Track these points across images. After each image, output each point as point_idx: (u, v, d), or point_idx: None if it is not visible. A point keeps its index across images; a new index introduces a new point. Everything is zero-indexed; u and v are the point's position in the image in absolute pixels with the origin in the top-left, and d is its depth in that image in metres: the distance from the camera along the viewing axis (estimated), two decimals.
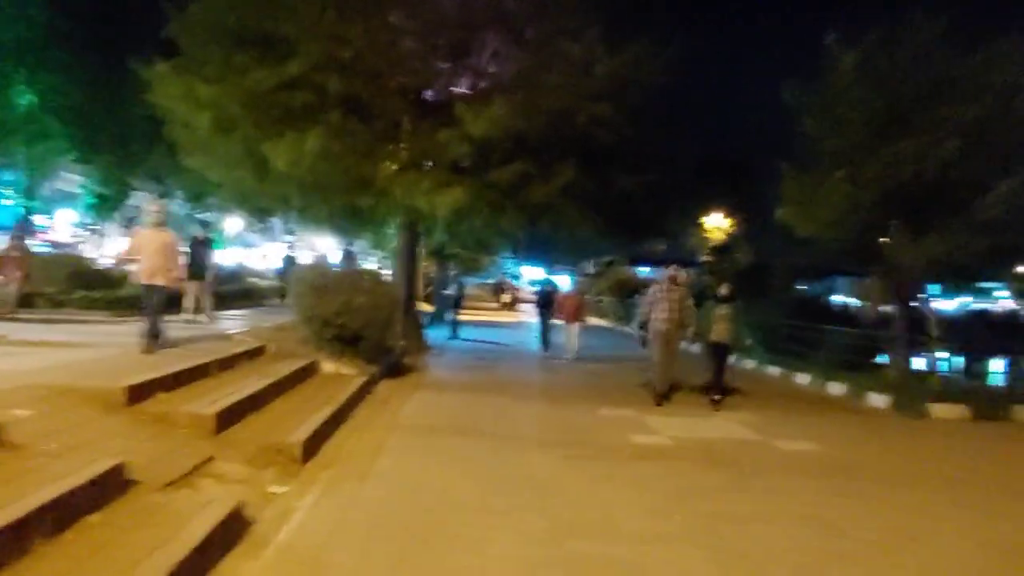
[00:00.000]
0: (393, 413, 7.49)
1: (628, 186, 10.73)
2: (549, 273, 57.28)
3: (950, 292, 39.14)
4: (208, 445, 4.95)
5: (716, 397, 8.83)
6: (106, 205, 27.83)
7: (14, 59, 18.58)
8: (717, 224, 34.45)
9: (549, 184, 9.98)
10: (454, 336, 17.10)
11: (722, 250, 35.72)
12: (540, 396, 9.19)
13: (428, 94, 10.98)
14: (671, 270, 9.21)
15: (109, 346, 7.38)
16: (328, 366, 8.61)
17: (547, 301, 13.92)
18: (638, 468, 5.78)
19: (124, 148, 23.36)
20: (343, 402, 6.95)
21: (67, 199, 29.47)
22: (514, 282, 49.93)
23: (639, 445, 6.56)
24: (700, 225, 34.47)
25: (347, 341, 9.05)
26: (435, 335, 17.49)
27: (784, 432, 7.41)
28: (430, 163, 10.05)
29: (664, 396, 8.79)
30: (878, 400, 9.56)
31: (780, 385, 11.80)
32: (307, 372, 8.10)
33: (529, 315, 31.12)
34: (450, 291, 17.70)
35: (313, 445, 5.43)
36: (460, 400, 8.66)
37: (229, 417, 5.36)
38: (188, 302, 11.46)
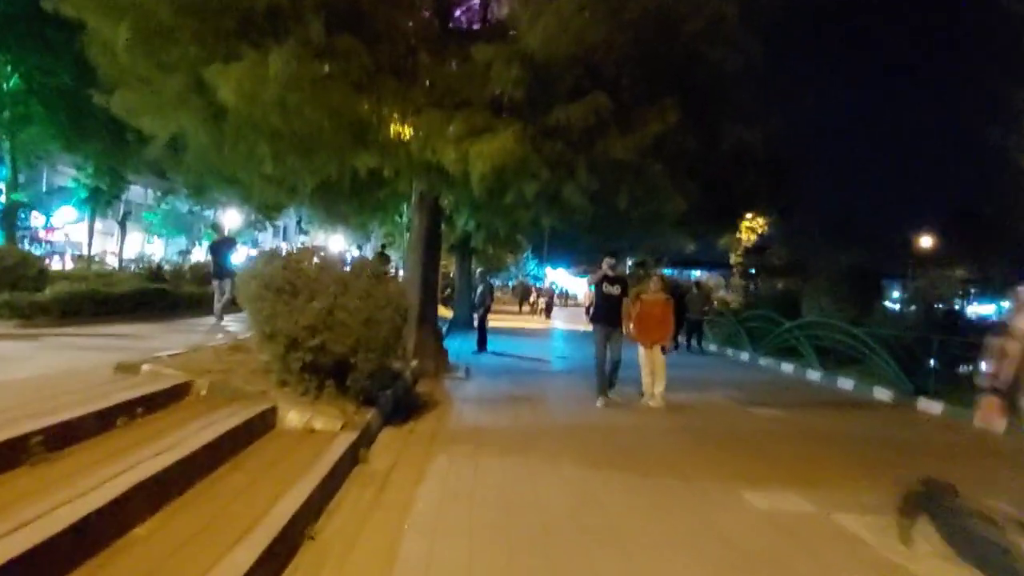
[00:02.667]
0: (398, 511, 4.14)
1: (747, 140, 7.32)
2: (580, 275, 53.64)
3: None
4: None
5: None
6: (100, 199, 25.21)
7: None
8: (749, 223, 31.80)
9: (636, 133, 6.60)
10: (482, 349, 13.78)
11: (755, 251, 32.87)
12: (634, 462, 5.79)
13: (457, 14, 7.68)
14: None
15: None
16: (293, 416, 5.29)
17: (614, 309, 8.31)
18: None
19: (116, 136, 20.47)
20: (303, 502, 3.63)
21: (64, 194, 26.90)
22: (536, 284, 46.50)
23: None
24: (735, 224, 31.88)
25: (328, 372, 5.75)
26: (457, 348, 14.14)
27: None
28: (461, 100, 6.64)
29: None
30: None
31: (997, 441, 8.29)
32: (253, 430, 4.80)
33: (563, 322, 27.70)
34: (476, 293, 14.34)
35: None
36: (507, 472, 5.28)
37: None
38: (218, 304, 11.39)
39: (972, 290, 37.53)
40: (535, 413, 7.87)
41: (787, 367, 13.26)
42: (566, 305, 45.89)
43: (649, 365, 8.58)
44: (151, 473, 3.35)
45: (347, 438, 5.11)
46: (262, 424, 5.00)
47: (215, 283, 11.72)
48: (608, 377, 8.37)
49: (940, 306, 12.89)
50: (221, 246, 12.12)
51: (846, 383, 11.18)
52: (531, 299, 30.36)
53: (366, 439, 5.49)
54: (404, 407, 7.52)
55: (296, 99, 6.32)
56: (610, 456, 5.93)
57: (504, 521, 4.16)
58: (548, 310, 28.88)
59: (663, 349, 8.46)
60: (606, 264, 8.23)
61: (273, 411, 5.24)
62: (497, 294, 35.28)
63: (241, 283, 5.77)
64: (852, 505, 4.82)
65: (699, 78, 6.87)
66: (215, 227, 14.04)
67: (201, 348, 6.72)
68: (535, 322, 27.09)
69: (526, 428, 6.98)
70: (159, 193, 34.81)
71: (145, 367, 5.38)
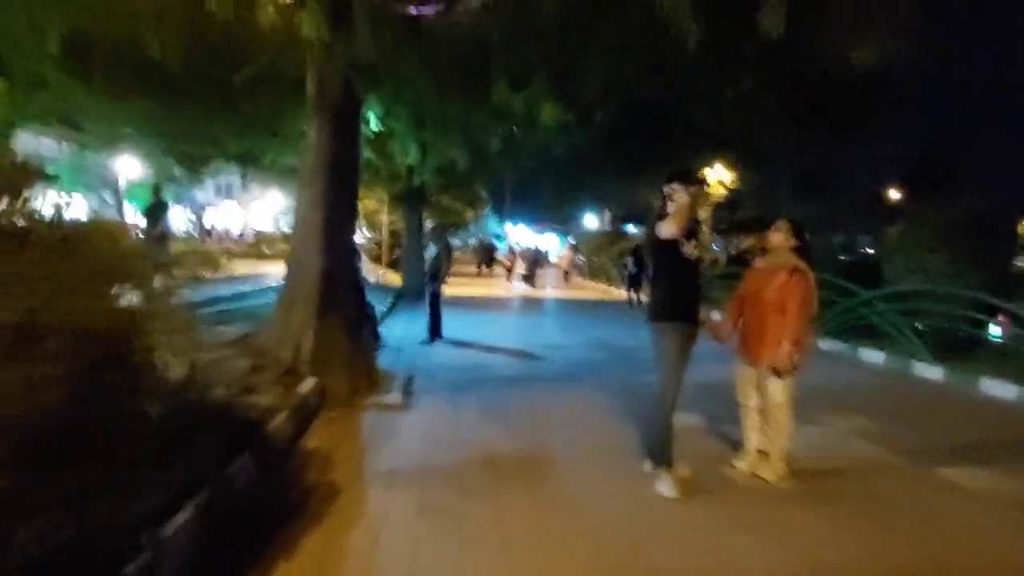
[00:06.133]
0: None
1: None
2: (540, 233, 49.31)
3: None
4: None
5: None
6: None
7: None
8: (719, 177, 29.34)
9: None
10: (433, 337, 9.39)
11: (727, 206, 30.37)
12: None
13: None
14: None
15: None
16: None
17: (696, 291, 4.11)
18: None
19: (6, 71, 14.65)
20: None
21: None
22: (497, 243, 41.85)
23: None
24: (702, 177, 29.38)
25: None
26: (401, 334, 9.76)
27: None
28: None
29: None
30: None
31: None
32: None
33: (534, 287, 23.24)
34: (428, 256, 9.83)
35: None
36: None
37: None
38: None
39: None
40: (548, 533, 3.54)
41: (872, 356, 9.27)
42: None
43: (754, 397, 4.35)
44: None
45: None
46: None
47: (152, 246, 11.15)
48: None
49: None
50: (159, 209, 12.19)
51: (997, 388, 7.26)
52: (509, 262, 25.34)
53: None
54: (244, 527, 3.19)
55: None
56: None
57: None
58: (530, 277, 23.68)
59: (776, 371, 4.16)
60: (684, 194, 3.87)
61: None
62: (456, 253, 30.06)
63: None
64: None
65: None
66: (156, 188, 12.91)
67: None
68: (500, 288, 22.70)
69: None
70: (75, 146, 29.00)
71: None
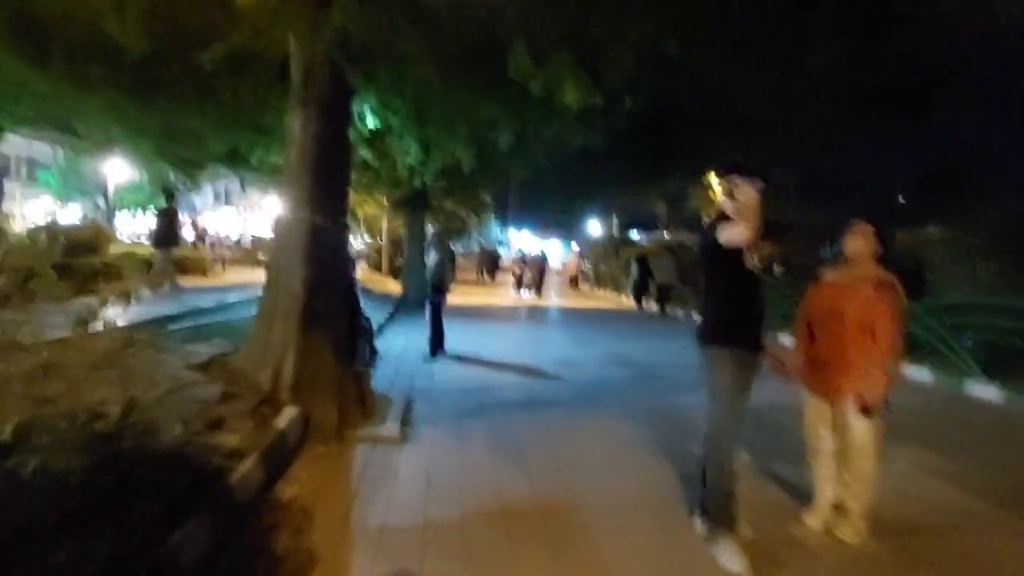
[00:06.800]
0: None
1: None
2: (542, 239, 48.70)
3: None
4: None
5: None
6: None
7: None
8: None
9: None
10: (437, 353, 8.60)
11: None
12: None
13: None
14: None
15: None
16: None
17: (760, 308, 3.35)
18: None
19: None
20: None
21: None
22: (500, 250, 41.10)
23: None
24: (703, 183, 28.59)
25: None
26: (401, 348, 9.00)
27: None
28: None
29: None
30: None
31: None
32: None
33: (537, 295, 22.40)
34: (431, 264, 9.04)
35: None
36: None
37: None
38: (158, 269, 11.38)
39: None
40: None
41: (917, 373, 8.45)
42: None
43: (828, 439, 3.58)
44: None
45: None
46: None
47: (160, 251, 11.84)
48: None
49: None
50: (168, 214, 12.18)
51: None
52: (518, 270, 23.91)
53: None
54: None
55: None
56: None
57: None
58: (539, 286, 22.15)
59: (865, 409, 3.40)
60: (750, 191, 3.12)
61: None
62: (459, 260, 28.68)
63: None
64: None
65: None
66: (167, 192, 12.61)
67: None
68: (505, 296, 21.91)
69: None
70: (68, 150, 28.13)
71: None
